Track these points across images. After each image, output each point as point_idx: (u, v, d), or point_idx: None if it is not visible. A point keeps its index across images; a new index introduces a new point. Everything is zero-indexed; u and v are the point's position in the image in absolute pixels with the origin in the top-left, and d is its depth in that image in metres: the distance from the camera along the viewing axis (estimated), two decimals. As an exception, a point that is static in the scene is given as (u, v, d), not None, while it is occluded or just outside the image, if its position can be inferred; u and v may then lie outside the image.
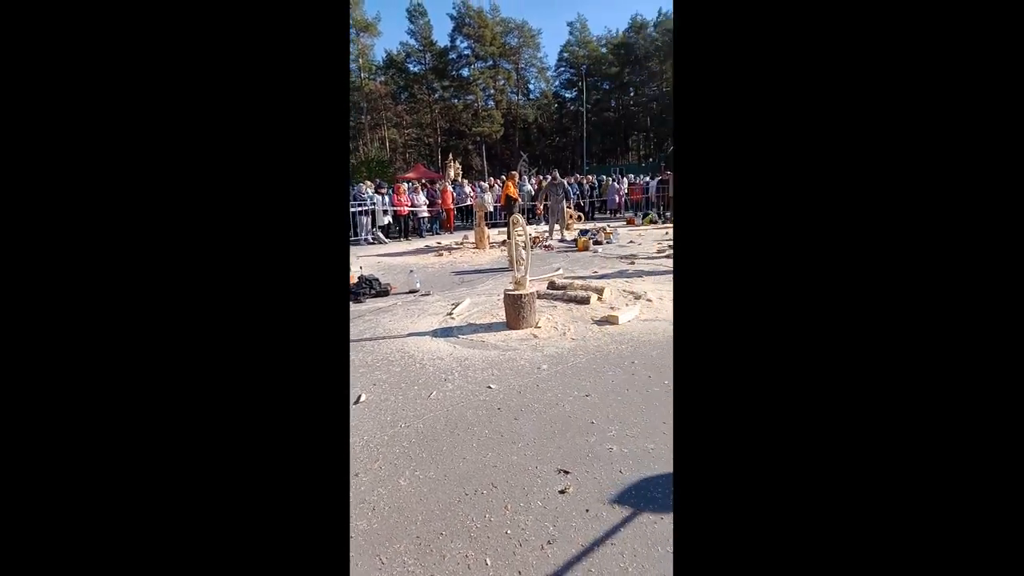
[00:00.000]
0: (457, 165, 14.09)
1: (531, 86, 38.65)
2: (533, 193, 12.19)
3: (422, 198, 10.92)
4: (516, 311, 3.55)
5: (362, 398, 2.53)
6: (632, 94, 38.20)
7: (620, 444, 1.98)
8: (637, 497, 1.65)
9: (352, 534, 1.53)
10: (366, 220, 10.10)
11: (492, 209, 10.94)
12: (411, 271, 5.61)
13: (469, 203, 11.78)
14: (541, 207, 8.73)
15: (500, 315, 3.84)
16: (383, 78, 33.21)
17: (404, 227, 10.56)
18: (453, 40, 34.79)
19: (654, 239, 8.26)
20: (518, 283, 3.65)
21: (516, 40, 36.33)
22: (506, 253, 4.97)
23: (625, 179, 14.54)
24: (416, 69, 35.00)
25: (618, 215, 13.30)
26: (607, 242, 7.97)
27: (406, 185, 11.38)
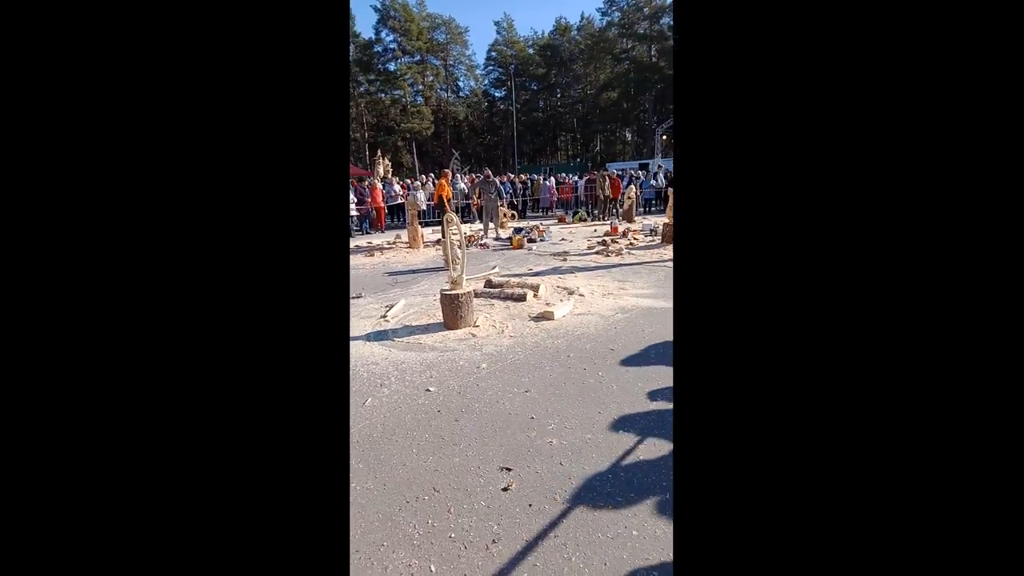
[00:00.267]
0: (387, 162, 13.60)
1: (460, 83, 38.43)
2: (467, 191, 12.13)
3: (350, 196, 10.43)
4: (453, 311, 3.51)
5: (290, 411, 2.36)
6: (559, 95, 39.27)
7: (559, 437, 2.03)
8: (578, 487, 1.70)
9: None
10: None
11: (425, 208, 10.72)
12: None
13: (400, 201, 11.46)
14: (477, 200, 8.69)
15: (437, 315, 3.78)
16: (302, 69, 31.12)
17: (331, 227, 9.99)
18: (378, 33, 33.63)
19: (584, 236, 8.57)
20: (454, 282, 3.61)
21: (444, 36, 35.86)
22: (441, 252, 4.89)
23: (553, 178, 14.93)
24: (339, 61, 33.24)
25: (550, 213, 13.63)
26: (541, 240, 8.14)
27: (332, 183, 10.77)
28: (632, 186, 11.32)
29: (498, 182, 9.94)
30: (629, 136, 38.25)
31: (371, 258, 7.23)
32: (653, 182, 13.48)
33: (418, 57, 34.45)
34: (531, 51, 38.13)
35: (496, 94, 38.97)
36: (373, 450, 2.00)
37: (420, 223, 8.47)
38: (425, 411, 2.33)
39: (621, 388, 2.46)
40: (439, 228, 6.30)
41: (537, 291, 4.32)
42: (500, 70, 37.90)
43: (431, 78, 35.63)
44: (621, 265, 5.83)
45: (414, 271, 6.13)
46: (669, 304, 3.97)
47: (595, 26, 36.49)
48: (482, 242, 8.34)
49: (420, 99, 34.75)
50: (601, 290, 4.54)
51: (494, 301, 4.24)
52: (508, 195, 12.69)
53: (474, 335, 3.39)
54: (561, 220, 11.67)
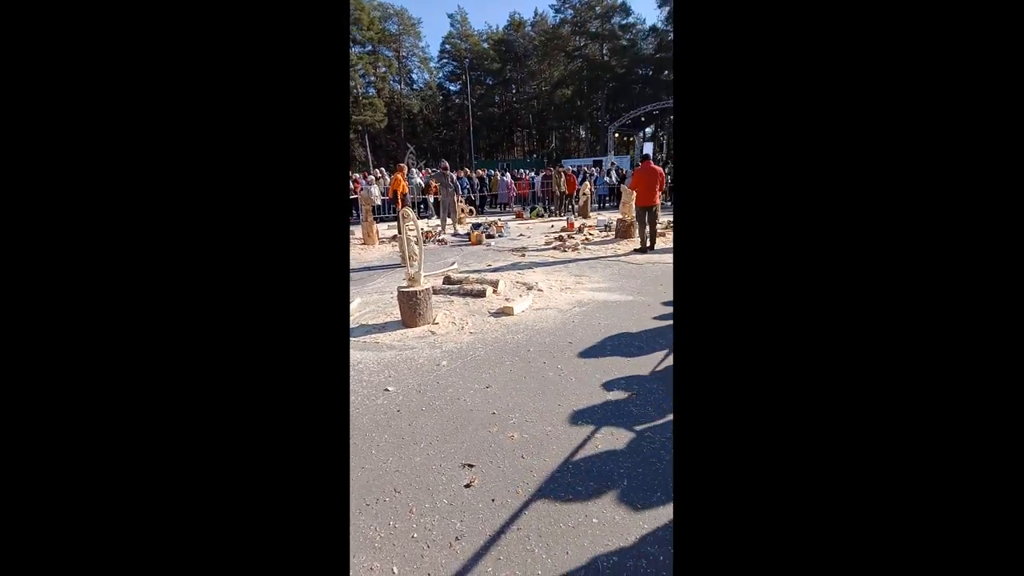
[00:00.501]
0: (338, 156, 13.07)
1: (414, 76, 37.61)
2: (423, 186, 11.91)
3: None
4: (411, 308, 3.45)
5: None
6: (514, 91, 39.32)
7: (521, 431, 2.05)
8: (539, 479, 1.72)
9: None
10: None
11: (380, 203, 10.44)
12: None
13: (353, 196, 11.09)
14: (435, 185, 8.49)
15: (395, 313, 3.70)
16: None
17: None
18: (326, 20, 32.09)
19: (541, 232, 8.66)
20: (412, 279, 3.54)
21: (396, 27, 34.92)
22: (396, 248, 4.78)
23: (508, 174, 14.97)
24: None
25: (508, 209, 13.66)
26: (499, 235, 8.14)
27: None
28: (587, 182, 11.55)
29: (454, 176, 9.82)
30: (583, 133, 38.94)
31: (323, 255, 6.95)
32: (607, 179, 13.81)
33: (369, 47, 33.34)
34: (485, 45, 37.89)
35: (451, 88, 38.45)
36: (330, 454, 1.93)
37: (374, 219, 8.25)
38: (384, 411, 2.28)
39: (579, 380, 2.52)
40: (394, 224, 6.13)
41: (496, 287, 4.33)
42: (455, 63, 37.43)
43: (383, 69, 34.62)
44: (578, 260, 5.94)
45: (369, 268, 5.96)
46: (624, 297, 4.10)
47: (549, 23, 36.78)
48: (439, 238, 8.24)
49: (372, 91, 33.69)
50: (559, 285, 4.61)
51: (453, 298, 4.20)
52: (466, 190, 12.59)
53: (433, 332, 3.35)
54: (519, 216, 11.73)
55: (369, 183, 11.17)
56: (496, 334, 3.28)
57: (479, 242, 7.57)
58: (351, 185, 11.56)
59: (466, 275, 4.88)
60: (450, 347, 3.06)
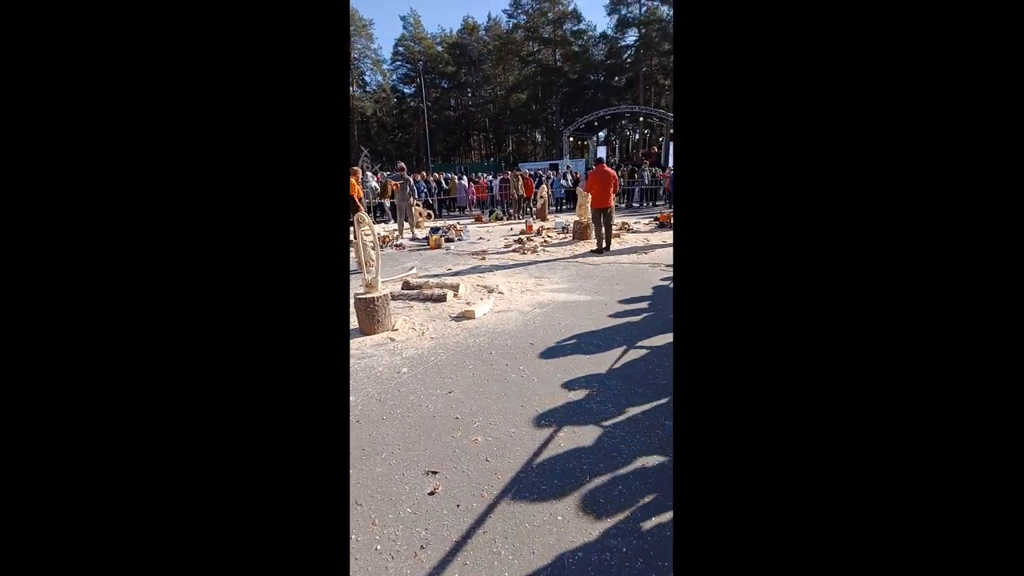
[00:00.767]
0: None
1: (367, 78, 36.75)
2: (378, 190, 11.65)
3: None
4: (369, 315, 3.36)
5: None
6: (470, 95, 39.29)
7: (485, 434, 2.05)
8: (504, 482, 1.73)
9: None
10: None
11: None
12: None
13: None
14: (395, 185, 8.26)
15: (352, 321, 3.59)
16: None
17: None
18: (270, 18, 30.81)
19: (501, 235, 8.69)
20: (369, 285, 3.46)
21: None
22: (353, 254, 4.64)
23: (466, 177, 14.94)
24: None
25: (467, 212, 13.61)
26: (459, 239, 8.10)
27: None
28: (544, 185, 11.71)
29: (412, 180, 9.67)
30: (539, 137, 39.46)
31: (274, 263, 6.65)
32: (563, 182, 14.06)
33: (318, 47, 32.23)
34: (440, 48, 37.65)
35: (405, 90, 37.91)
36: (285, 470, 1.85)
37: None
38: (343, 422, 2.21)
39: (541, 380, 2.55)
40: (350, 229, 5.94)
41: (457, 291, 4.30)
42: (408, 66, 36.94)
43: (334, 71, 33.55)
44: (537, 262, 6.01)
45: (324, 276, 5.76)
46: (583, 297, 4.19)
47: (502, 27, 37.07)
48: (397, 243, 8.08)
49: (322, 92, 32.54)
50: (520, 287, 4.65)
51: (413, 303, 4.14)
52: (423, 194, 12.43)
53: (393, 339, 3.28)
54: (478, 219, 11.72)
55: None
56: (458, 338, 3.26)
57: (438, 246, 7.50)
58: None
59: (426, 280, 4.82)
60: (410, 353, 3.01)
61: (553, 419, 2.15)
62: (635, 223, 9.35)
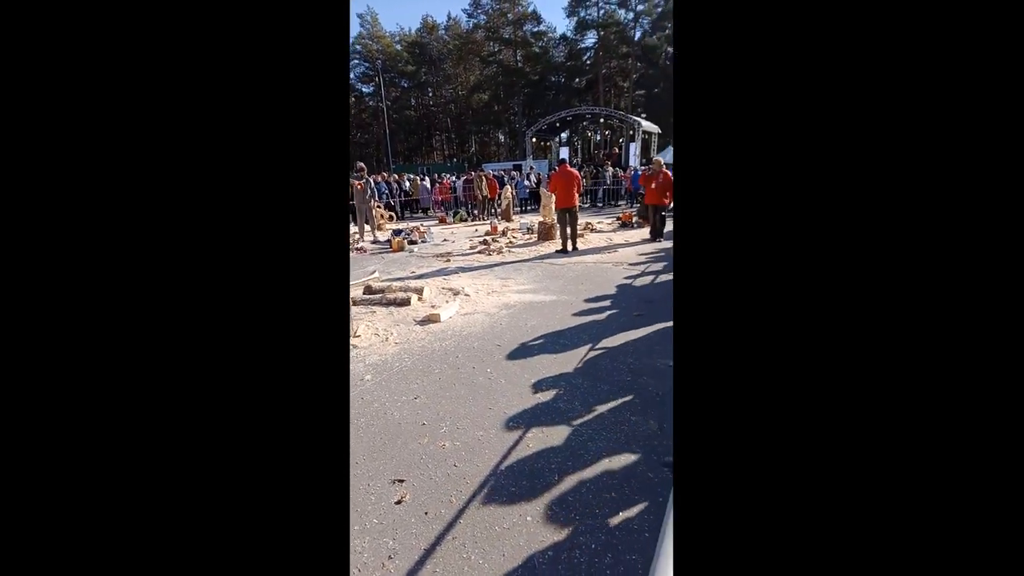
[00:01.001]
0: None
1: (323, 76, 35.62)
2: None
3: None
4: (330, 322, 3.26)
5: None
6: (431, 94, 38.89)
7: (452, 439, 2.03)
8: (473, 486, 1.71)
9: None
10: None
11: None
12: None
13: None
14: (360, 185, 8.02)
15: (311, 328, 3.47)
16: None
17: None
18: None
19: (466, 236, 8.64)
20: (329, 291, 3.35)
21: (300, 23, 32.87)
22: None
23: (428, 178, 14.78)
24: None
25: (430, 213, 13.45)
26: (423, 241, 7.98)
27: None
28: (508, 186, 11.74)
29: (372, 181, 9.44)
30: (503, 138, 39.54)
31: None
32: (527, 182, 14.15)
33: (270, 44, 31.04)
34: (399, 47, 37.07)
35: (364, 89, 37.07)
36: (242, 488, 1.77)
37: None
38: (304, 434, 2.13)
39: (509, 382, 2.55)
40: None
41: (421, 294, 4.24)
42: (366, 64, 36.14)
43: (288, 68, 32.41)
44: (503, 263, 6.02)
45: (281, 281, 5.54)
46: (549, 297, 4.22)
47: (462, 27, 36.90)
48: (358, 246, 7.89)
49: (276, 91, 31.39)
50: (486, 288, 4.63)
51: (376, 308, 4.04)
52: (384, 195, 12.17)
53: (355, 346, 3.19)
54: (442, 221, 11.60)
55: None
56: (423, 342, 3.21)
57: (401, 249, 7.37)
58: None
59: (389, 283, 4.72)
60: (374, 360, 2.95)
61: (522, 420, 2.15)
62: (598, 223, 9.52)
